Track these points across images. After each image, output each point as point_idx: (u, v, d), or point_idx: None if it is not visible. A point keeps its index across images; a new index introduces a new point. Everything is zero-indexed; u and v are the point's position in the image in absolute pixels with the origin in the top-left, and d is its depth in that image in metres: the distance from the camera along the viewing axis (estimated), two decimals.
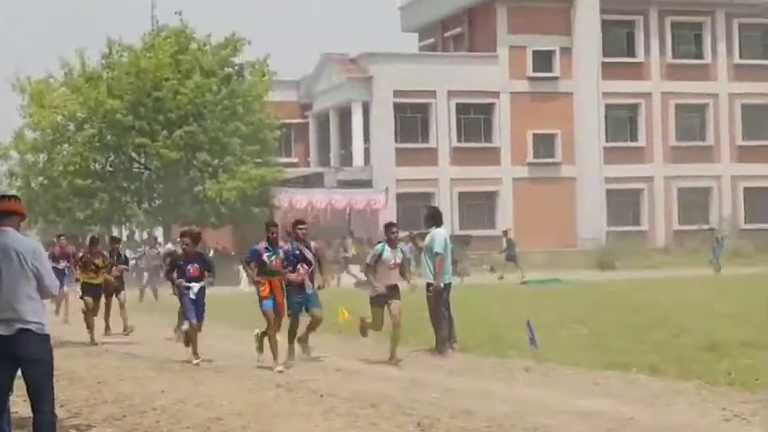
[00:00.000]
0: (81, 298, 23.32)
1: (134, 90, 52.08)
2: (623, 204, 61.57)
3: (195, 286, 18.58)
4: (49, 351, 9.21)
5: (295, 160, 64.12)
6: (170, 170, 52.18)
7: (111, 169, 53.70)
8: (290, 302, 17.61)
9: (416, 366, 16.66)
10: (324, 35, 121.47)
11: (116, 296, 24.62)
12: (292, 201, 52.13)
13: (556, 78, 61.20)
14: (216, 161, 52.06)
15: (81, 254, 23.97)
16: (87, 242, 22.70)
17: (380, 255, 17.31)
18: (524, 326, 17.57)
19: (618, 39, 62.77)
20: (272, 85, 55.21)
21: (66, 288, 27.57)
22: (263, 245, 17.47)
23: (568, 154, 61.08)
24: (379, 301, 17.32)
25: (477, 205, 59.99)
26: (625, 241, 57.21)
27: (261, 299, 17.39)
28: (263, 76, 54.70)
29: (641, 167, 62.12)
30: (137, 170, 54.98)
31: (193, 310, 18.55)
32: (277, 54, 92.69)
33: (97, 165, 53.48)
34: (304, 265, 17.77)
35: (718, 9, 63.54)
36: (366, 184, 56.78)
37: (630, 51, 62.90)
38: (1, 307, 9.05)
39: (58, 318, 27.78)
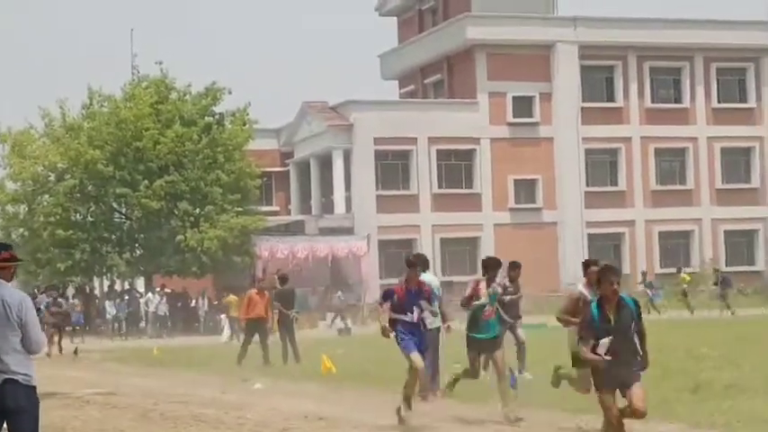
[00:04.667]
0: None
1: (114, 140, 52.07)
2: (605, 248, 61.69)
3: None
4: (35, 403, 9.13)
5: (276, 208, 64.15)
6: (151, 220, 52.11)
7: (91, 219, 53.55)
8: None
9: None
10: (304, 83, 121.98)
11: None
12: (273, 249, 52.05)
13: (536, 124, 61.49)
14: (197, 210, 52.01)
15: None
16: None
17: None
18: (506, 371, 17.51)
19: (597, 84, 63.19)
20: (253, 133, 55.28)
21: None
22: None
23: (549, 199, 61.27)
24: None
25: (459, 251, 60.00)
26: None
27: None
28: (244, 124, 54.77)
29: (622, 211, 62.34)
30: (118, 220, 54.89)
31: None
32: (257, 103, 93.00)
33: (78, 215, 53.36)
34: None
35: (696, 54, 63.99)
36: (348, 231, 56.80)
37: (610, 96, 63.30)
38: None
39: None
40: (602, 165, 63.08)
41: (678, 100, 64.57)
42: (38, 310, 37.69)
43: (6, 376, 8.97)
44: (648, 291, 50.94)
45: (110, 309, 50.96)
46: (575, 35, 61.97)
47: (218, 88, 54.67)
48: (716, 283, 49.20)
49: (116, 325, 50.83)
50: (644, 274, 54.49)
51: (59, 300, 37.97)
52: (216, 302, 52.60)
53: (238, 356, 26.46)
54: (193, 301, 54.20)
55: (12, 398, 8.96)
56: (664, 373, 19.32)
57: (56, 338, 36.01)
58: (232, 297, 45.18)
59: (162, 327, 50.85)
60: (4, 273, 9.24)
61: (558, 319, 14.78)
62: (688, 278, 51.78)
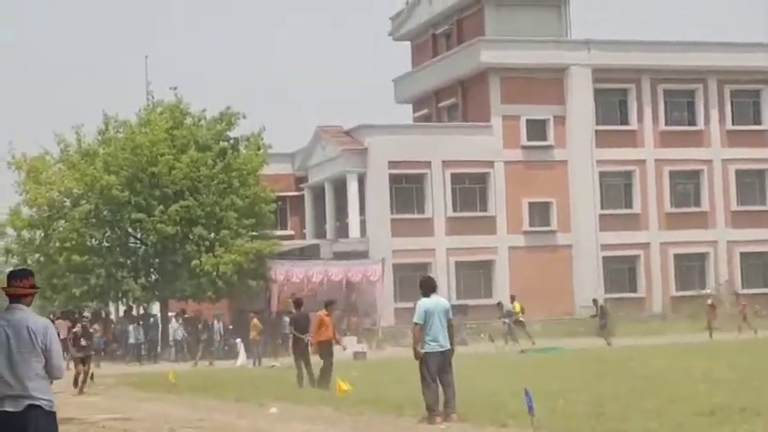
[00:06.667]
0: None
1: (130, 165, 52.18)
2: (620, 271, 61.61)
3: None
4: (55, 429, 9.20)
5: (291, 233, 64.18)
6: (166, 245, 52.18)
7: (107, 245, 53.58)
8: None
9: None
10: (318, 108, 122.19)
11: None
12: (288, 273, 52.06)
13: (550, 147, 61.47)
14: (212, 235, 52.03)
15: None
16: None
17: None
18: (523, 394, 17.47)
19: (611, 107, 63.18)
20: (268, 158, 55.32)
21: None
22: None
23: (564, 222, 61.21)
24: None
25: (474, 274, 59.96)
26: (622, 308, 57.08)
27: None
28: (258, 149, 54.82)
29: (637, 234, 62.22)
30: (133, 245, 54.91)
31: None
32: (272, 127, 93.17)
33: (93, 240, 53.37)
34: None
35: (709, 76, 63.96)
36: (362, 255, 56.76)
37: (623, 119, 63.27)
38: (11, 384, 9.04)
39: None
40: (616, 187, 63.00)
41: (692, 122, 64.49)
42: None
43: (29, 402, 9.05)
44: (506, 320, 47.65)
45: (132, 333, 51.02)
46: (588, 58, 62.00)
47: (233, 113, 54.76)
48: (595, 315, 48.75)
49: (134, 350, 50.86)
50: (500, 304, 50.58)
51: (90, 330, 33.18)
52: (231, 326, 52.56)
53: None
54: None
55: (33, 423, 9.03)
56: (678, 397, 19.31)
57: (80, 377, 29.83)
58: (256, 320, 45.11)
59: (179, 352, 50.96)
60: (26, 300, 9.36)
61: None
62: (518, 307, 48.70)
